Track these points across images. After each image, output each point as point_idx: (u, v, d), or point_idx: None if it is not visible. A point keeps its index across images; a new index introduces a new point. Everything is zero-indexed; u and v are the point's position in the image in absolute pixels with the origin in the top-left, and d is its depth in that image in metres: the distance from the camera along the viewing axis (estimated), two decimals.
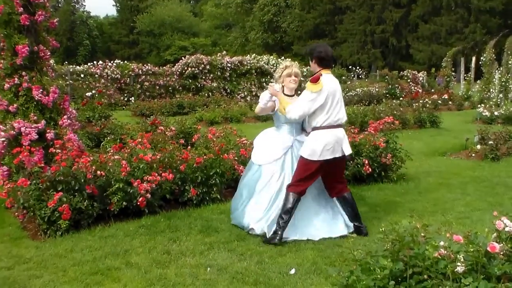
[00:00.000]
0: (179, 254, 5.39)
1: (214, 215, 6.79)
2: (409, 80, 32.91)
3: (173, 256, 5.34)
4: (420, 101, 21.29)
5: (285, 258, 5.27)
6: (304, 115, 5.79)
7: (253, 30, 69.69)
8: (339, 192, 6.08)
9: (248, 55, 28.53)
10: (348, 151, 5.92)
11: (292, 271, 4.88)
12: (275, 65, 27.63)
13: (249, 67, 26.94)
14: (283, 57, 28.82)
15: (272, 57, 28.87)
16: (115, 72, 25.34)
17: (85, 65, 26.42)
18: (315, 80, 5.67)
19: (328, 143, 5.70)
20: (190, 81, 26.00)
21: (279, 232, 5.67)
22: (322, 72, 5.83)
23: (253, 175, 6.29)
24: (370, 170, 8.37)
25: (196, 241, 5.81)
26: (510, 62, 25.04)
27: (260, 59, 27.92)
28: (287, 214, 5.70)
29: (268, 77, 27.21)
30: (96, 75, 24.97)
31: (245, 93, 26.47)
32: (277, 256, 5.34)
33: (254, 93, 26.51)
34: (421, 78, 34.05)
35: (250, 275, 4.79)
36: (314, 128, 5.80)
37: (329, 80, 5.78)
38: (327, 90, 5.69)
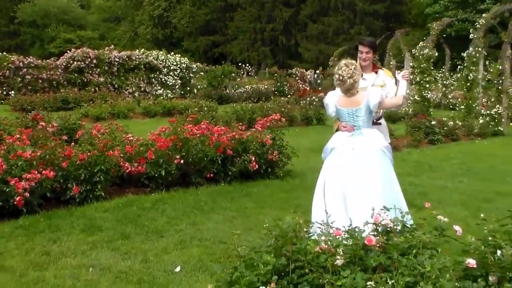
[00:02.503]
0: (59, 255, 5.16)
1: (98, 213, 6.57)
2: (297, 78, 33.65)
3: (53, 257, 5.10)
4: (308, 99, 21.81)
5: (171, 256, 5.19)
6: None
7: (143, 25, 68.35)
8: None
9: (137, 50, 27.94)
10: None
11: (177, 269, 4.82)
12: (164, 60, 27.30)
13: (137, 62, 26.38)
14: (172, 53, 28.56)
15: (161, 52, 28.48)
16: None
17: None
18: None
19: None
20: (76, 75, 24.99)
21: None
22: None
23: None
24: (256, 166, 8.45)
25: (78, 240, 5.59)
26: (391, 62, 26.34)
27: (149, 54, 27.44)
28: None
29: (157, 72, 26.81)
30: None
31: (133, 89, 25.91)
32: (163, 254, 5.25)
33: (142, 88, 26.06)
34: (309, 76, 34.93)
35: (134, 274, 4.68)
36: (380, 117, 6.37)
37: None
38: None
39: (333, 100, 5.73)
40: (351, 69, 5.49)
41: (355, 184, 5.42)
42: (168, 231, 6.02)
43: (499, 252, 3.63)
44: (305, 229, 3.70)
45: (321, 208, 5.38)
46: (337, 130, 5.80)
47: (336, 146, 5.70)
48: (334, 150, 5.72)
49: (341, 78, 5.48)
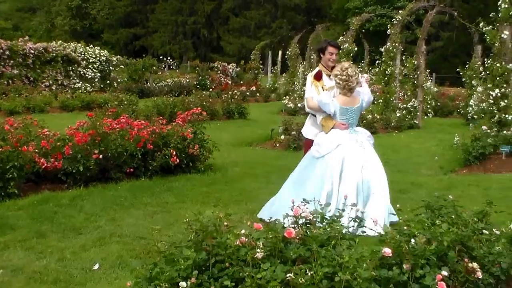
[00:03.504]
0: None
1: (10, 211, 6.30)
2: (219, 72, 33.62)
3: None
4: (229, 93, 21.85)
5: (89, 253, 5.05)
6: None
7: (60, 16, 66.18)
8: None
9: (54, 42, 27.01)
10: None
11: (96, 266, 4.69)
12: (83, 53, 26.53)
13: (54, 54, 25.45)
14: (91, 45, 27.85)
15: (80, 44, 27.66)
16: None
17: None
18: None
19: None
20: None
21: None
22: None
23: None
24: (177, 161, 8.37)
25: None
26: (312, 57, 26.74)
27: (67, 47, 26.57)
28: None
29: (76, 65, 26.03)
30: None
31: (50, 82, 25.01)
32: (81, 251, 5.10)
33: (60, 82, 25.20)
34: (231, 70, 34.97)
35: (49, 274, 4.51)
36: None
37: None
38: None
39: (332, 99, 6.30)
40: (355, 71, 6.22)
41: (373, 178, 6.15)
42: (87, 228, 5.85)
43: (413, 240, 3.76)
44: (225, 223, 3.69)
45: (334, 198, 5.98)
46: (332, 127, 6.32)
47: (342, 143, 6.20)
48: (342, 146, 6.19)
49: (349, 78, 6.15)
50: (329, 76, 6.58)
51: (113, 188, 7.57)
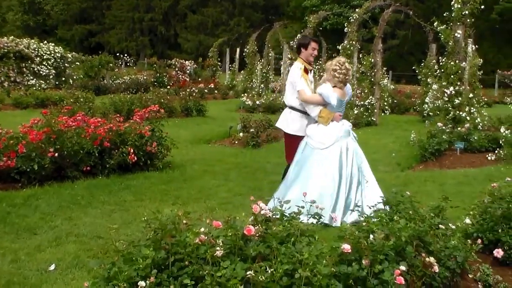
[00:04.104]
0: None
1: None
2: (176, 69, 33.38)
3: None
4: (188, 90, 21.72)
5: (45, 254, 4.94)
6: None
7: (12, 11, 64.62)
8: None
9: (6, 38, 26.31)
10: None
11: (52, 267, 4.59)
12: (36, 49, 25.93)
13: (6, 50, 24.78)
14: (45, 41, 27.25)
15: (33, 40, 27.02)
16: None
17: None
18: None
19: None
20: None
21: None
22: None
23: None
24: (135, 158, 8.28)
25: None
26: (270, 54, 26.81)
27: (20, 43, 25.93)
28: None
29: (29, 62, 25.43)
30: None
31: (2, 79, 24.38)
32: (36, 252, 4.98)
33: (12, 78, 24.58)
34: (188, 67, 34.77)
35: (2, 276, 4.38)
36: None
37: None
38: None
39: (333, 92, 6.57)
40: (350, 65, 6.77)
41: (364, 167, 6.65)
42: (42, 227, 5.73)
43: (371, 236, 3.80)
44: (184, 221, 3.66)
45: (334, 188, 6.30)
46: (332, 119, 6.63)
47: (343, 134, 6.60)
48: (344, 138, 6.58)
49: (347, 72, 6.58)
50: (310, 70, 7.01)
51: (69, 187, 7.43)
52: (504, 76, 32.04)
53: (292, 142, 6.78)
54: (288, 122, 6.92)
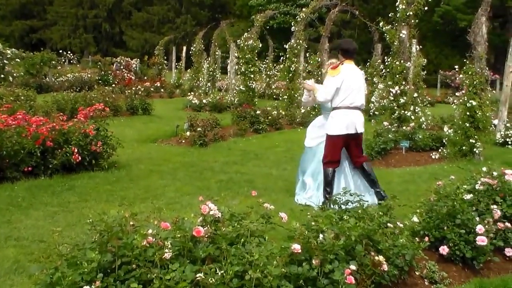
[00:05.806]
0: None
1: None
2: (122, 67, 32.87)
3: None
4: (133, 88, 21.40)
5: None
6: (327, 96, 6.78)
7: None
8: (358, 162, 7.01)
9: None
10: (360, 129, 6.81)
11: None
12: None
13: None
14: None
15: None
16: None
17: None
18: (335, 67, 6.79)
19: (343, 120, 6.69)
20: None
21: (327, 202, 6.02)
22: (344, 62, 6.82)
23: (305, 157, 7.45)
24: (79, 158, 8.08)
25: None
26: (217, 53, 26.72)
27: None
28: (329, 186, 6.75)
29: None
30: None
31: None
32: None
33: None
34: (134, 65, 34.31)
35: None
36: (333, 108, 6.84)
37: (348, 69, 6.76)
38: (344, 76, 6.67)
39: None
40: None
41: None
42: None
43: (321, 236, 3.79)
44: (131, 223, 3.56)
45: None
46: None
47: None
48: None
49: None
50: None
51: (9, 188, 7.17)
52: (446, 76, 32.91)
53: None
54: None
